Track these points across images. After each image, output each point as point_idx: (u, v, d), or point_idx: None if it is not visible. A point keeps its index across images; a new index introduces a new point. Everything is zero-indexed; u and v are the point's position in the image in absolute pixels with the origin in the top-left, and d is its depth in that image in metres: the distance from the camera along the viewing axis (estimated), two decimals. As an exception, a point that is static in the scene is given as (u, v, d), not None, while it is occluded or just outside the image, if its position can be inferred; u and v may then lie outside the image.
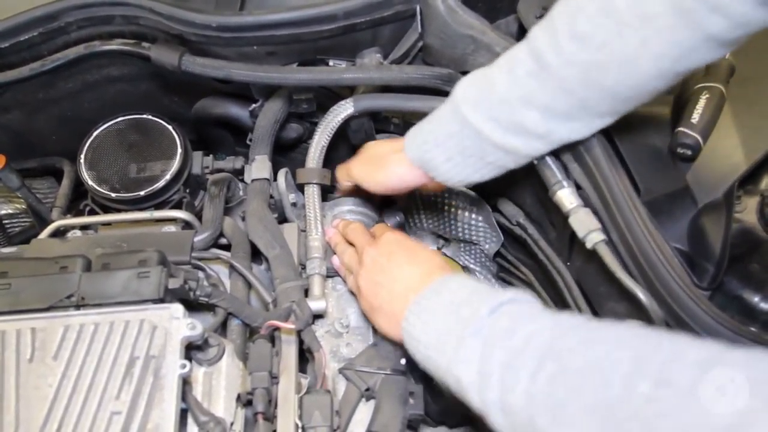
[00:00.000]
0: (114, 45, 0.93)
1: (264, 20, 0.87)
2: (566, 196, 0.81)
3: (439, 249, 1.32)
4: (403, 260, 0.78)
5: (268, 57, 0.94)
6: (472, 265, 1.26)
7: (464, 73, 0.94)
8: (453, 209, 1.15)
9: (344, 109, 0.94)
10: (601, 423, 0.48)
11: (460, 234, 1.19)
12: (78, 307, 0.75)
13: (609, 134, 0.88)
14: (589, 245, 0.78)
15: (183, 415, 0.74)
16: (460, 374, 0.60)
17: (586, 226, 0.78)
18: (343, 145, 1.10)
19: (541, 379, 0.53)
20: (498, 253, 1.17)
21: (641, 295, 0.76)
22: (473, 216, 1.13)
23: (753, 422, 0.40)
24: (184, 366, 0.70)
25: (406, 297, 0.72)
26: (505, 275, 1.21)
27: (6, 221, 1.18)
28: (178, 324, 0.73)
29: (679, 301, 0.74)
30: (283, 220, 1.03)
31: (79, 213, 1.00)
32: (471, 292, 0.66)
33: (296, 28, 0.88)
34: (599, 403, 0.48)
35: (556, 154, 0.86)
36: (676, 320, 0.75)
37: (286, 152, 1.13)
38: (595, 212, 0.82)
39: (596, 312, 0.90)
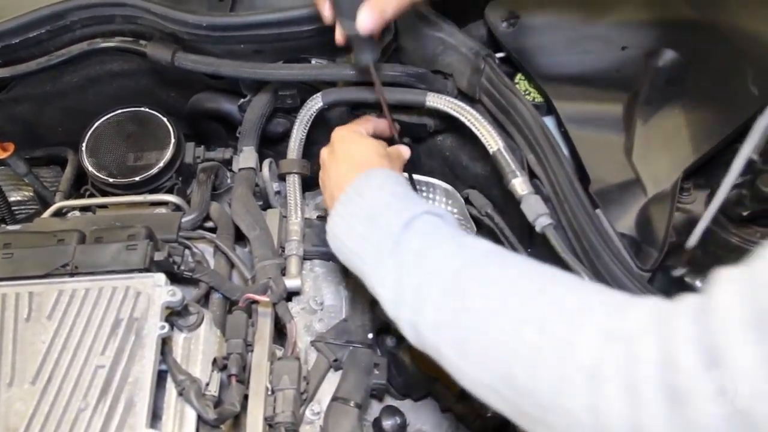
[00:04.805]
0: (114, 42, 1.01)
1: (249, 21, 0.95)
2: (519, 184, 0.88)
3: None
4: (340, 154, 0.80)
5: (255, 55, 1.02)
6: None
7: (435, 71, 1.02)
8: (430, 201, 1.22)
9: (315, 103, 1.02)
10: (495, 360, 0.53)
11: (438, 226, 1.26)
12: (72, 274, 0.83)
13: (564, 129, 0.95)
14: (538, 228, 0.85)
15: (163, 375, 0.82)
16: (378, 290, 0.66)
17: (535, 211, 0.85)
18: (326, 140, 1.17)
19: (447, 313, 0.58)
20: (472, 245, 1.24)
21: (584, 275, 0.82)
22: (448, 208, 1.20)
23: (605, 368, 0.45)
24: (163, 327, 0.78)
25: (334, 196, 0.75)
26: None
27: (14, 207, 1.26)
28: (160, 291, 0.81)
29: (618, 281, 0.80)
30: (267, 206, 1.10)
31: (80, 197, 1.08)
32: (389, 196, 0.69)
33: (279, 28, 0.96)
34: (494, 342, 0.53)
35: (513, 146, 0.93)
36: (615, 298, 0.81)
37: (274, 146, 1.21)
38: (548, 199, 0.89)
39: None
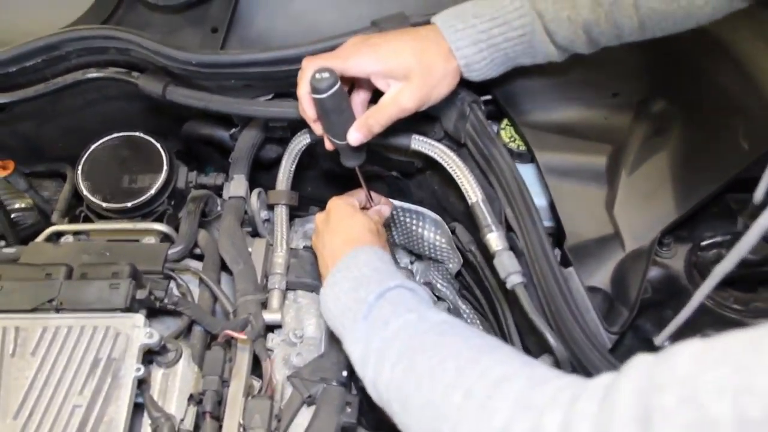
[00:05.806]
0: (107, 73, 1.03)
1: (237, 59, 0.96)
2: (493, 239, 0.88)
3: (411, 263, 1.42)
4: (335, 226, 0.88)
5: (246, 89, 1.03)
6: (439, 282, 1.35)
7: (422, 114, 1.02)
8: (420, 230, 1.24)
9: (303, 138, 1.05)
10: (429, 418, 0.60)
11: (427, 252, 1.28)
12: (57, 310, 0.87)
13: (545, 183, 0.95)
14: (508, 286, 0.86)
15: (141, 407, 0.86)
16: (350, 350, 0.74)
17: (506, 268, 0.86)
18: (316, 168, 1.19)
19: (398, 372, 0.65)
20: (459, 273, 1.25)
21: (549, 336, 0.83)
22: (437, 237, 1.22)
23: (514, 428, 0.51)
24: (139, 369, 0.82)
25: (327, 265, 0.83)
26: (466, 293, 1.29)
27: (18, 215, 1.31)
28: (138, 332, 0.84)
29: (578, 345, 0.81)
30: (256, 234, 1.13)
31: (75, 218, 1.12)
32: (372, 271, 0.77)
33: (267, 67, 0.97)
34: (429, 402, 0.60)
35: (493, 196, 0.94)
36: (578, 362, 0.83)
37: (267, 171, 1.23)
38: (521, 254, 0.89)
39: (524, 342, 0.98)
